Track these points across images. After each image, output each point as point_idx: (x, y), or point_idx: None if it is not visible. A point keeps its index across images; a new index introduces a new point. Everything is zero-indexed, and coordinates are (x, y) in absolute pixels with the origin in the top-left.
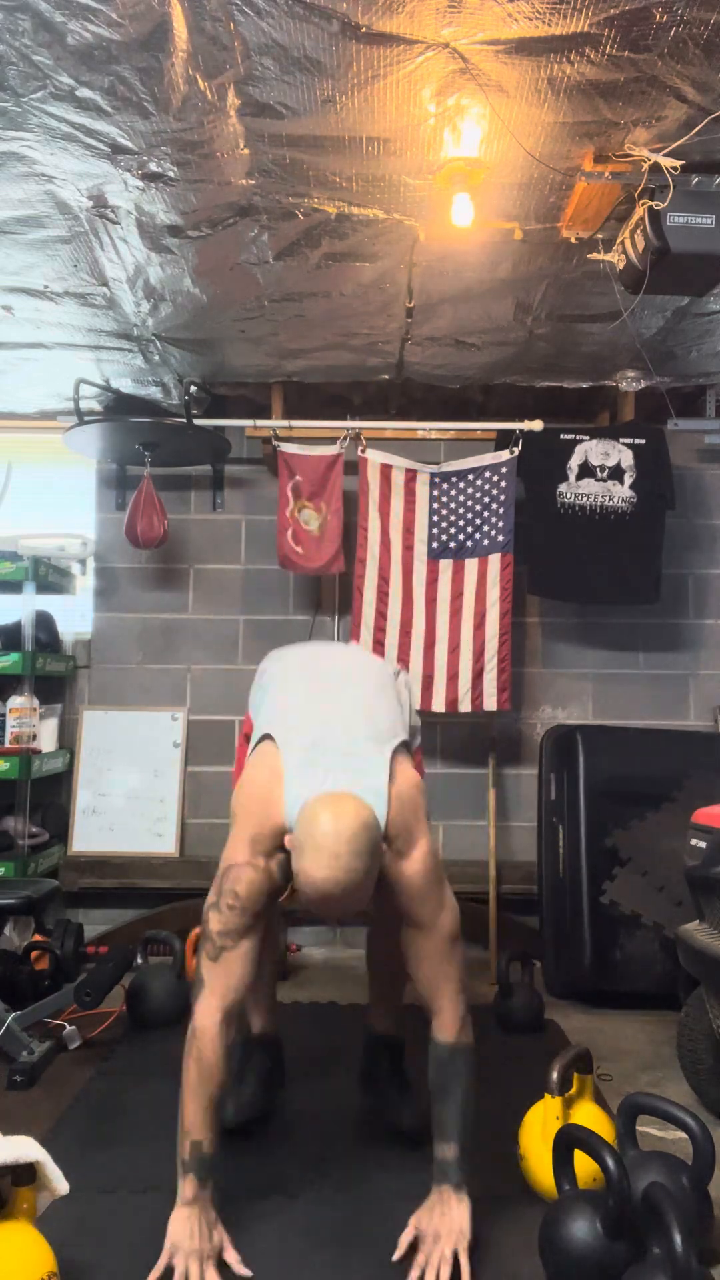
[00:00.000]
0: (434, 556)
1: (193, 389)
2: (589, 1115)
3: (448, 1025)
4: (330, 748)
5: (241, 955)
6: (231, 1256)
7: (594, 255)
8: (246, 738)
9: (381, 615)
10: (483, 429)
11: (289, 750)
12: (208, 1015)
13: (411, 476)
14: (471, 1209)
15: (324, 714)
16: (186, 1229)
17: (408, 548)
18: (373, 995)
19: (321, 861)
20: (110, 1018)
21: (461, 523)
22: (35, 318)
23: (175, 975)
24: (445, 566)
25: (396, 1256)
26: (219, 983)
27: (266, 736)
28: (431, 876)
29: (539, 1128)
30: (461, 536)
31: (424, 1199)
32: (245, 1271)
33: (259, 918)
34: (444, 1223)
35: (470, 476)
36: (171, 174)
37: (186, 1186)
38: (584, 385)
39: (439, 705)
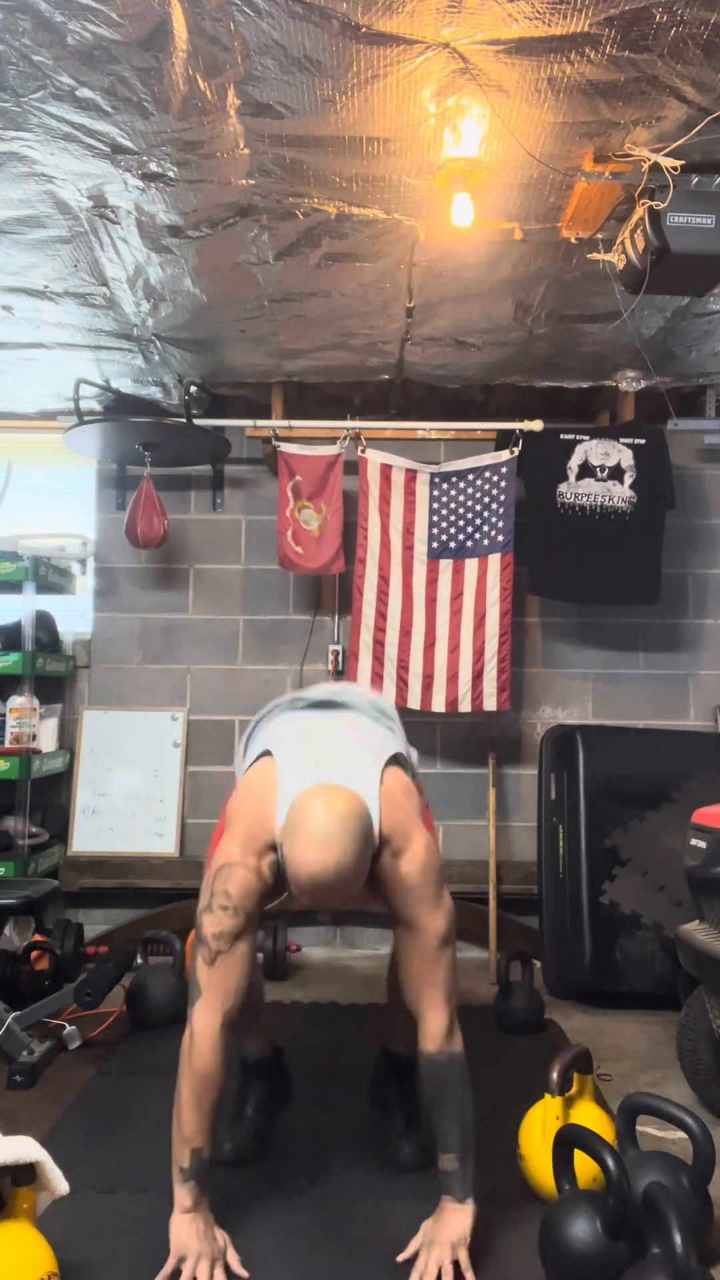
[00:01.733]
0: (434, 556)
1: (193, 389)
2: (589, 1115)
3: (433, 1034)
4: (325, 757)
5: (237, 958)
6: (232, 1257)
7: (594, 255)
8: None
9: (381, 615)
10: (483, 429)
11: (284, 760)
12: (206, 1021)
13: (411, 476)
14: (475, 1215)
15: (321, 736)
16: (192, 1232)
17: (408, 548)
18: (391, 1015)
19: (313, 844)
20: (110, 1018)
21: (461, 523)
22: (35, 318)
23: (175, 975)
24: (445, 566)
25: (401, 1258)
26: (215, 988)
27: (265, 753)
28: (426, 876)
29: (539, 1128)
30: (461, 536)
31: (424, 1200)
32: (244, 1273)
33: (251, 920)
34: (444, 1232)
35: (470, 476)
36: (171, 174)
37: (186, 1194)
38: (584, 385)
39: (439, 705)
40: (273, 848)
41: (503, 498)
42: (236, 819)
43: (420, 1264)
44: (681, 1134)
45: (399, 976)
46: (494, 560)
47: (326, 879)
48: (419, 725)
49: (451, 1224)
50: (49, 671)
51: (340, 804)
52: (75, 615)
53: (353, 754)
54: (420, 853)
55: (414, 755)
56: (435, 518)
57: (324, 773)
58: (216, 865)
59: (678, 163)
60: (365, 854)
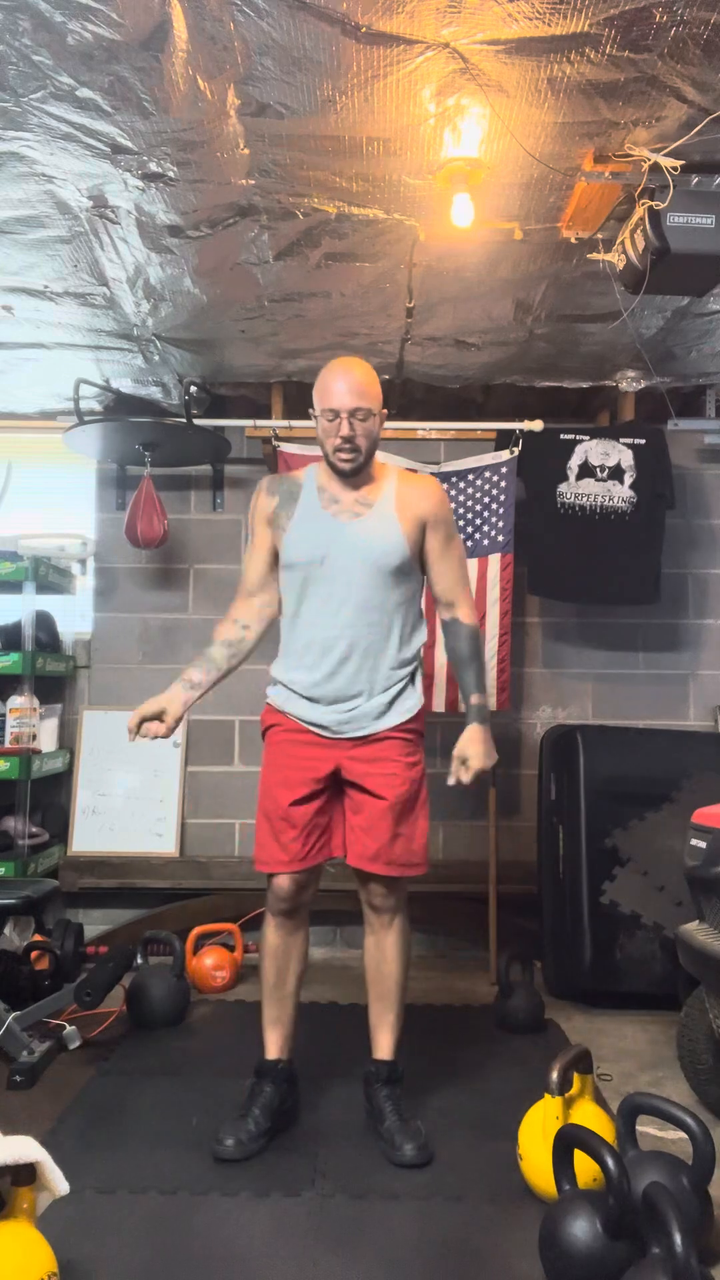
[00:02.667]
0: None
1: (193, 389)
2: (589, 1115)
3: (465, 613)
4: None
5: (254, 559)
6: (170, 717)
7: (594, 255)
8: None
9: None
10: (483, 429)
11: None
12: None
13: None
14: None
15: None
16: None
17: None
18: (374, 1023)
19: (337, 359)
20: (110, 1018)
21: (461, 523)
22: (35, 318)
23: (175, 975)
24: None
25: (451, 783)
26: (241, 580)
27: None
28: (442, 493)
29: (539, 1128)
30: (461, 536)
31: (425, 1200)
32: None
33: (258, 532)
34: (482, 746)
35: (470, 476)
36: (171, 174)
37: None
38: (584, 385)
39: (439, 705)
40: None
41: (503, 498)
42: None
43: (470, 769)
44: (681, 1134)
45: (436, 592)
46: (494, 560)
47: (347, 365)
48: None
49: (486, 741)
50: (49, 671)
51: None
52: (75, 615)
53: None
54: (429, 478)
55: None
56: None
57: None
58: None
59: (678, 163)
60: (377, 377)
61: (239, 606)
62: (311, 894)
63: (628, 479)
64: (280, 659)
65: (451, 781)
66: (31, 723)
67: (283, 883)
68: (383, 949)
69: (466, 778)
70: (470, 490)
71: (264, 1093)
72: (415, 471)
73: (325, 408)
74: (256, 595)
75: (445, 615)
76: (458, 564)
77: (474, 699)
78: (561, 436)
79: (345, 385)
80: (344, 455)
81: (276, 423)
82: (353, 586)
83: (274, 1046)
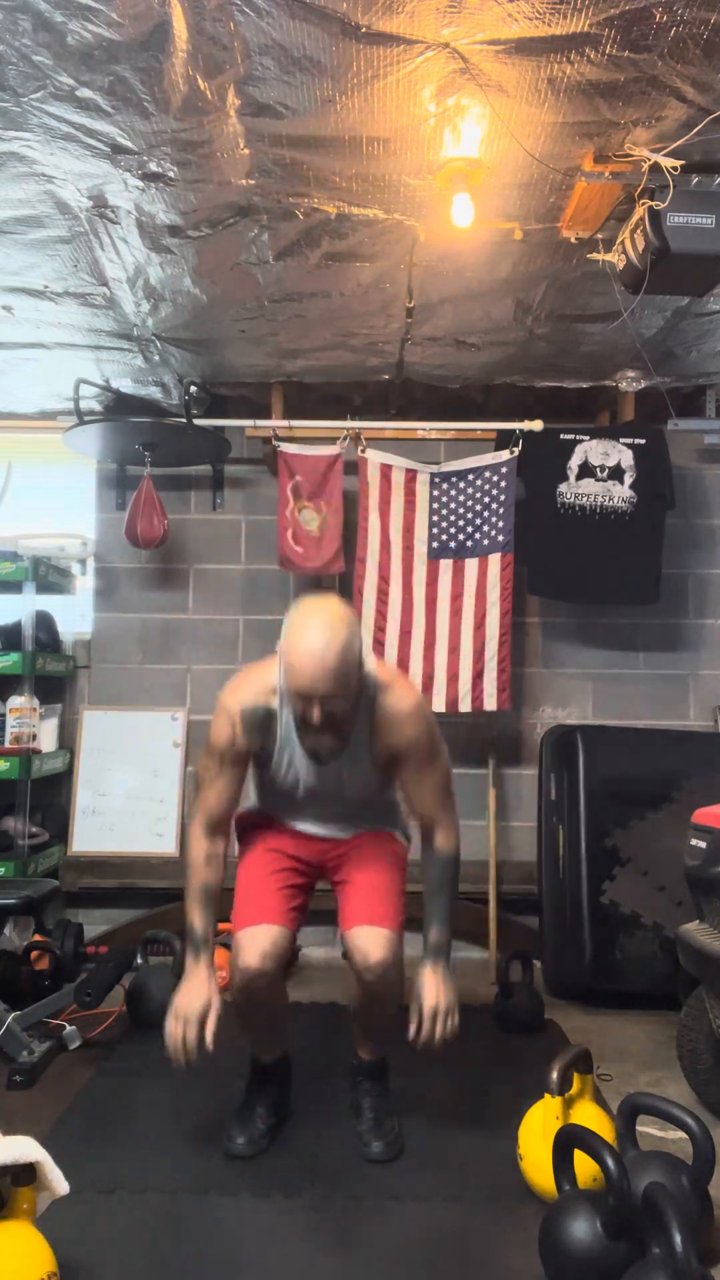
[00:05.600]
0: (434, 556)
1: (193, 389)
2: (589, 1115)
3: (441, 842)
4: None
5: (218, 786)
6: (211, 1022)
7: (594, 255)
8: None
9: (381, 615)
10: (483, 429)
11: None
12: (195, 827)
13: (411, 476)
14: (452, 981)
15: None
16: (189, 994)
17: (408, 548)
18: (355, 1024)
19: (310, 626)
20: (110, 1018)
21: (461, 523)
22: (35, 318)
23: (175, 975)
24: (445, 566)
25: (411, 1034)
26: (201, 805)
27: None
28: (420, 713)
29: (539, 1128)
30: (461, 536)
31: (425, 1200)
32: (209, 1038)
33: (226, 761)
34: (442, 1001)
35: (470, 476)
36: (171, 174)
37: (188, 961)
38: (584, 385)
39: (439, 705)
40: (265, 695)
41: (503, 498)
42: (233, 684)
43: (421, 1023)
44: (681, 1134)
45: (415, 808)
46: (494, 560)
47: (319, 653)
48: None
49: (442, 991)
50: (49, 671)
51: (332, 602)
52: (75, 615)
53: None
54: (409, 690)
55: None
56: (435, 518)
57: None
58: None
59: (678, 163)
60: (355, 646)
61: (207, 842)
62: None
63: (628, 479)
64: (256, 801)
65: (411, 1035)
66: (31, 723)
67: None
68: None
69: (426, 1032)
70: (470, 490)
71: (268, 1090)
72: (398, 682)
73: (294, 689)
74: (222, 824)
75: (424, 837)
76: (439, 785)
77: (433, 933)
78: (561, 436)
79: (318, 681)
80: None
81: (276, 423)
82: (333, 801)
83: (273, 1048)
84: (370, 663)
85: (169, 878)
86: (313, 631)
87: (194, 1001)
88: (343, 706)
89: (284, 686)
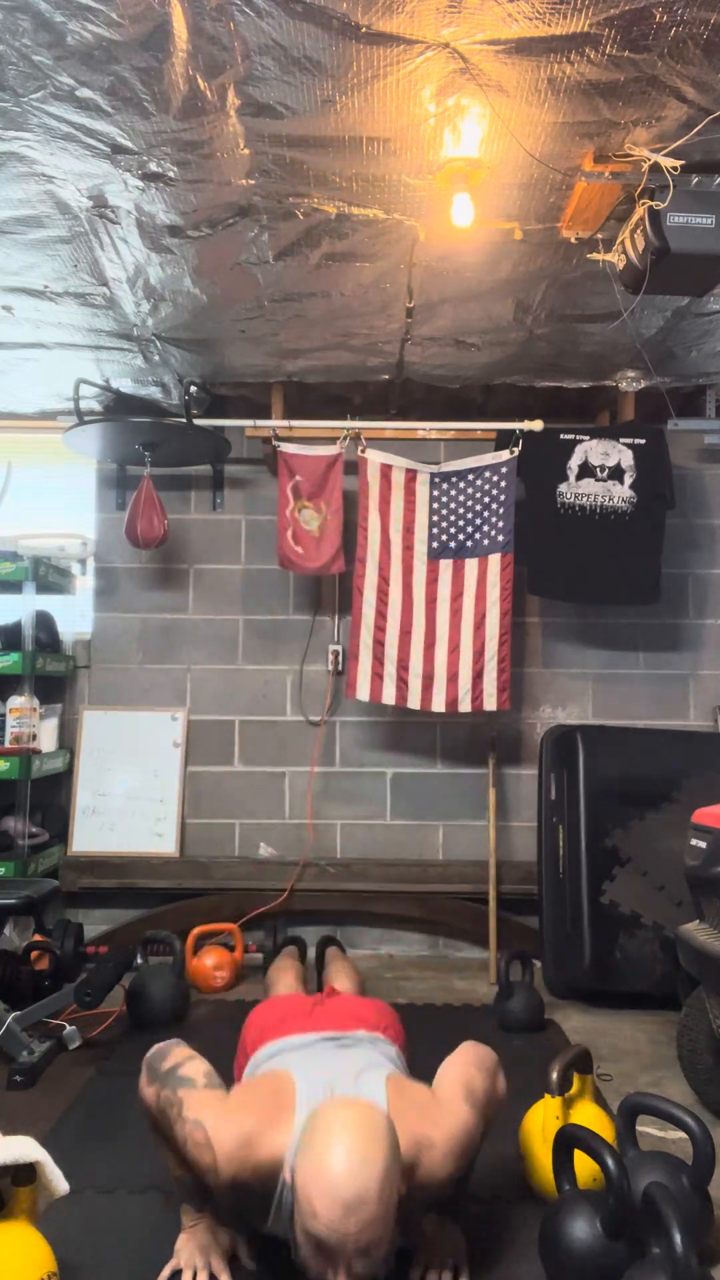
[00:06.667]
0: (434, 556)
1: (193, 389)
2: (589, 1115)
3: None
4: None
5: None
6: (242, 1252)
7: (594, 255)
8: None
9: (381, 615)
10: (483, 429)
11: (301, 1074)
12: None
13: (411, 476)
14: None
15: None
16: (191, 1245)
17: (408, 548)
18: None
19: (337, 1151)
20: (110, 1018)
21: (461, 523)
22: (35, 318)
23: (175, 975)
24: (445, 566)
25: None
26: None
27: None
28: (460, 1156)
29: (539, 1128)
30: (461, 536)
31: None
32: (251, 1264)
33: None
34: (441, 1245)
35: (470, 476)
36: (171, 174)
37: (185, 1216)
38: (584, 385)
39: (439, 705)
40: (268, 1170)
41: (503, 498)
42: (246, 1106)
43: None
44: (681, 1134)
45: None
46: (494, 560)
47: (352, 1192)
48: (419, 725)
49: (445, 1238)
50: (49, 671)
51: (368, 1113)
52: (75, 615)
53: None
54: (447, 1141)
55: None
56: (435, 518)
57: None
58: (208, 1133)
59: (678, 163)
60: (396, 1173)
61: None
62: None
63: (628, 479)
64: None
65: None
66: (31, 723)
67: None
68: None
69: None
70: (470, 490)
71: None
72: (438, 1128)
73: (313, 1236)
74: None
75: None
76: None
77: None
78: (561, 436)
79: (349, 1230)
80: None
81: (276, 423)
82: None
83: None
84: (402, 1133)
85: (169, 878)
86: (342, 1161)
87: (198, 1255)
88: (378, 1265)
89: (301, 1220)
